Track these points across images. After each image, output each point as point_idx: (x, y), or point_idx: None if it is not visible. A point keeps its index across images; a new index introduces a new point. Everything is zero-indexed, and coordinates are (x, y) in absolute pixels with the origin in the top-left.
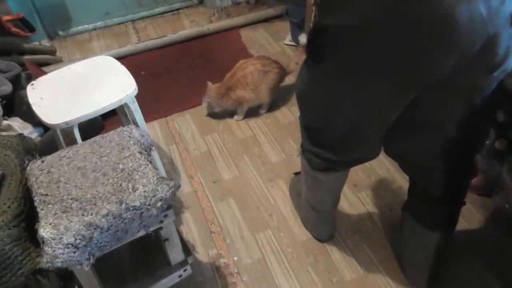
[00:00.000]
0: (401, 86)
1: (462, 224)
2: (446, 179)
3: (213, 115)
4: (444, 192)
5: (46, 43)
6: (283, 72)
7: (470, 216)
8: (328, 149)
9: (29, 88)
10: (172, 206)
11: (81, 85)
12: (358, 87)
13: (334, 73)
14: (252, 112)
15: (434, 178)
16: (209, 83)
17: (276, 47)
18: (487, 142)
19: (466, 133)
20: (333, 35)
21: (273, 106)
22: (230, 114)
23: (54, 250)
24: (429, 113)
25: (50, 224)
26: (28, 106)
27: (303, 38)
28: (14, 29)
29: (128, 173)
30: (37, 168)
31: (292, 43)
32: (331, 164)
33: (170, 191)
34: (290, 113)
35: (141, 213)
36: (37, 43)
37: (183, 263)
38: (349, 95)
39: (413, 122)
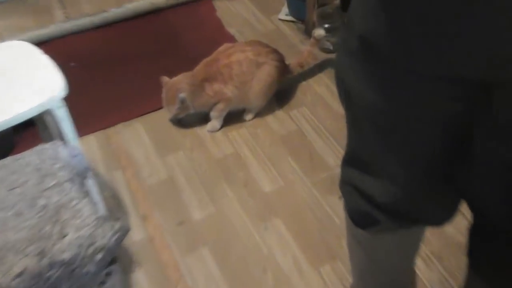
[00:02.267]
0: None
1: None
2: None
3: (177, 122)
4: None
5: None
6: (283, 67)
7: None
8: (361, 169)
9: None
10: (118, 259)
11: None
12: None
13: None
14: (234, 118)
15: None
16: (165, 78)
17: (267, 24)
18: None
19: None
20: None
21: (263, 109)
22: (202, 121)
23: None
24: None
25: None
26: None
27: (317, 32)
28: None
29: (53, 212)
30: None
31: (290, 17)
32: (373, 209)
33: (115, 237)
34: (289, 119)
35: (73, 270)
36: None
37: None
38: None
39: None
